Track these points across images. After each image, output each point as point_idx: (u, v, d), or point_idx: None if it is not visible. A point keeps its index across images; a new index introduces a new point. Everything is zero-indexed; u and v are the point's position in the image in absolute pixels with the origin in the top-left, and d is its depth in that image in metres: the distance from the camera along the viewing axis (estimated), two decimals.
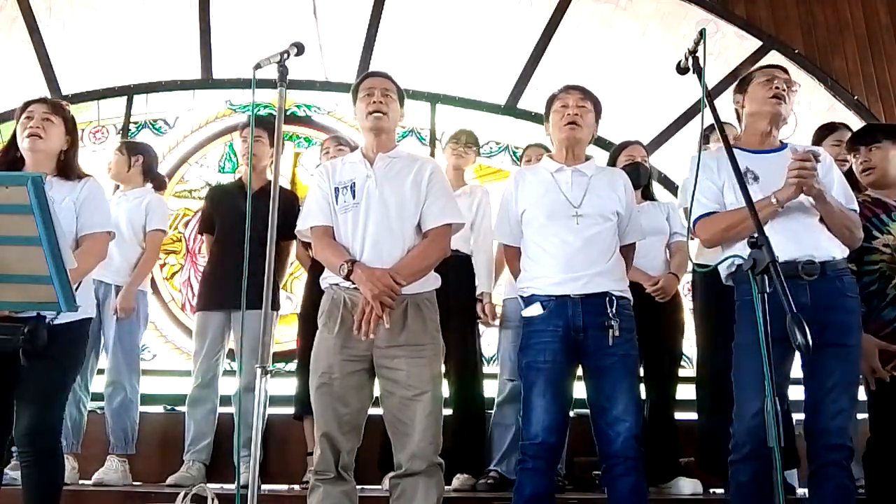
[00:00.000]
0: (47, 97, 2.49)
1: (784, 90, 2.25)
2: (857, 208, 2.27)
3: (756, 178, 2.18)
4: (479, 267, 3.22)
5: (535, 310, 2.24)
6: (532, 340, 2.24)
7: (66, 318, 2.16)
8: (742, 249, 1.73)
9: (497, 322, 3.26)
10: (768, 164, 2.20)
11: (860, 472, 2.91)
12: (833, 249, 2.14)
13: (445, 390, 3.06)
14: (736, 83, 2.43)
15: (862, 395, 3.04)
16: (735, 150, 2.19)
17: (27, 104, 2.40)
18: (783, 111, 2.26)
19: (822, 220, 2.17)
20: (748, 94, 2.31)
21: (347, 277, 2.14)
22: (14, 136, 2.38)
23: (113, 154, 3.57)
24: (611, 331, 2.16)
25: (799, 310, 1.53)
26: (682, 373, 3.27)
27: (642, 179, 3.22)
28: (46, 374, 2.17)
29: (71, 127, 2.43)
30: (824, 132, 3.16)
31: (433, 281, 2.28)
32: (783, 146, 2.29)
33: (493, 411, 3.22)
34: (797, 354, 2.04)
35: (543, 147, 3.34)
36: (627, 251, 2.43)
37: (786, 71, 2.37)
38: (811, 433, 2.03)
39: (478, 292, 3.20)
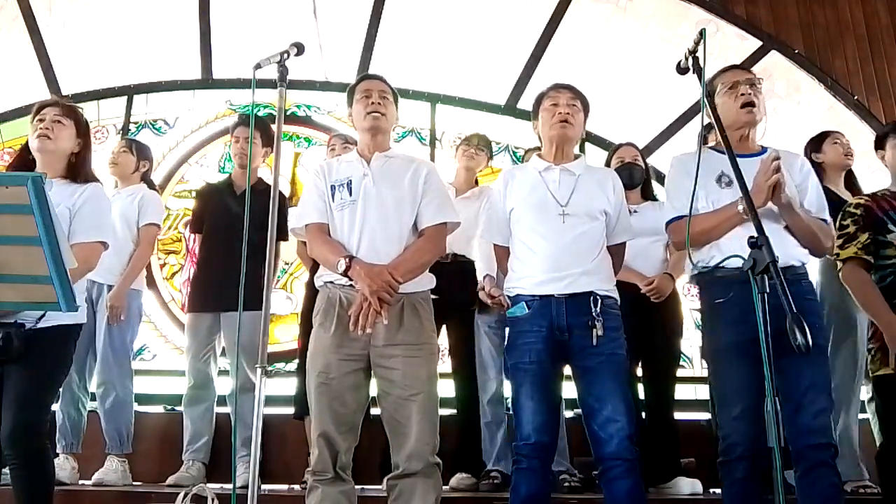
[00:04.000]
0: (60, 100, 2.48)
1: (751, 94, 2.21)
2: (829, 218, 2.23)
3: (729, 184, 2.14)
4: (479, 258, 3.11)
5: (519, 310, 2.24)
6: (518, 341, 2.23)
7: (47, 321, 2.16)
8: (741, 249, 1.72)
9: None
10: (745, 168, 2.12)
11: (864, 472, 2.93)
12: (796, 257, 2.11)
13: (448, 390, 3.07)
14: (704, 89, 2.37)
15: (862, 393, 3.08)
16: (713, 152, 2.21)
17: (40, 107, 2.39)
18: (757, 116, 2.22)
19: (788, 227, 2.12)
20: (717, 105, 2.24)
21: (345, 273, 2.13)
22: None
23: (119, 149, 3.47)
24: (594, 330, 2.15)
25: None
26: (681, 373, 3.27)
27: (635, 180, 3.19)
28: (26, 378, 2.16)
29: (83, 130, 2.42)
30: (821, 138, 3.23)
31: (428, 281, 2.28)
32: (762, 150, 2.24)
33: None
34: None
35: None
36: (617, 250, 2.41)
37: (749, 70, 2.31)
38: (795, 435, 1.99)
39: (479, 276, 3.02)
